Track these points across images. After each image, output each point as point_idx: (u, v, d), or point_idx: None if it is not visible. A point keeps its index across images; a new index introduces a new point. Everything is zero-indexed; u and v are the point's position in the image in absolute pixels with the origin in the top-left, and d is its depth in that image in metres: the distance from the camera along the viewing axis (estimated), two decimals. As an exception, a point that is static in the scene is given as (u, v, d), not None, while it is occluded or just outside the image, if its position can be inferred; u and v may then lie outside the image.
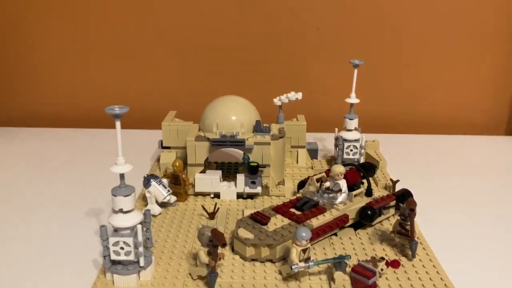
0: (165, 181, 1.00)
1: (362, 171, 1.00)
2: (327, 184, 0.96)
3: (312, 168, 1.16)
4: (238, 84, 1.55)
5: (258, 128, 1.04)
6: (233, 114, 1.06)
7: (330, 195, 0.92)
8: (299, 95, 1.13)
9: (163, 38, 1.54)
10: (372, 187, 0.99)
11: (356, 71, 1.12)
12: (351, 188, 0.97)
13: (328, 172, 1.05)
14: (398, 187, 1.03)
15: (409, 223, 0.82)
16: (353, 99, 1.14)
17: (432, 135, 1.54)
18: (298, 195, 0.96)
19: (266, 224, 0.85)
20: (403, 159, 1.32)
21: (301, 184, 1.02)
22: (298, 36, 1.52)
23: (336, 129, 1.18)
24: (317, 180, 0.97)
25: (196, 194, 1.05)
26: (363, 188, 0.96)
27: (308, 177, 1.00)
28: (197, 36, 1.53)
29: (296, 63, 1.54)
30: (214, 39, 1.53)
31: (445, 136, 1.54)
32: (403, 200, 0.96)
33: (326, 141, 1.42)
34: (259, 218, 0.86)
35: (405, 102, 1.59)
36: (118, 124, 0.70)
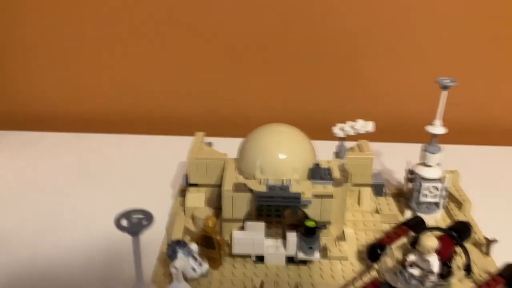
0: (194, 247, 0.76)
1: (458, 240, 0.75)
2: (411, 258, 0.72)
3: (378, 213, 0.91)
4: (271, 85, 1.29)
5: (316, 175, 0.78)
6: (282, 152, 0.80)
7: (418, 280, 0.68)
8: (370, 127, 0.84)
9: (176, 32, 1.26)
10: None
11: (445, 94, 0.84)
12: (444, 264, 0.73)
13: (405, 228, 0.81)
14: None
15: None
16: (438, 127, 0.86)
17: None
18: (373, 274, 0.72)
19: (337, 335, 0.62)
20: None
21: (372, 250, 0.78)
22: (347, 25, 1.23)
23: (409, 160, 0.92)
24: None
25: (233, 256, 0.81)
26: (462, 271, 0.71)
27: (383, 242, 0.77)
28: (223, 28, 1.25)
29: (342, 57, 1.26)
30: (241, 34, 1.26)
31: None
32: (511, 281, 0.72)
33: (384, 157, 1.16)
34: (328, 325, 0.63)
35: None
36: (136, 241, 0.46)
